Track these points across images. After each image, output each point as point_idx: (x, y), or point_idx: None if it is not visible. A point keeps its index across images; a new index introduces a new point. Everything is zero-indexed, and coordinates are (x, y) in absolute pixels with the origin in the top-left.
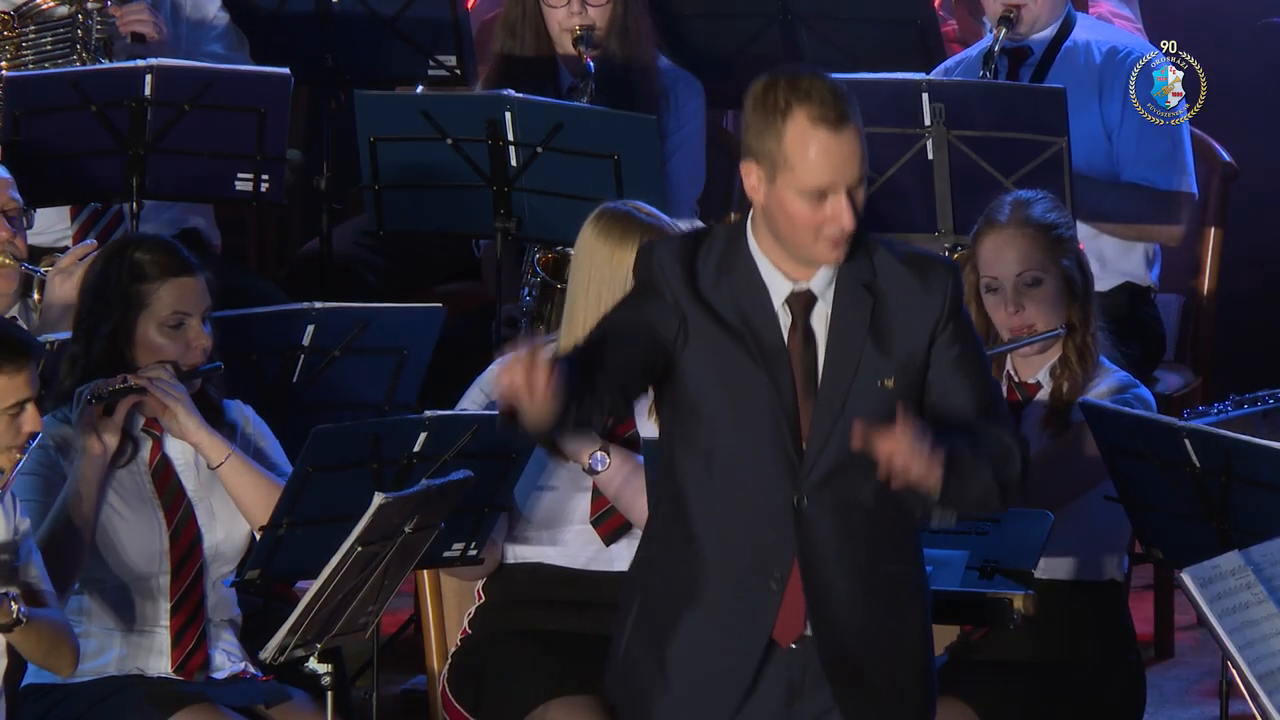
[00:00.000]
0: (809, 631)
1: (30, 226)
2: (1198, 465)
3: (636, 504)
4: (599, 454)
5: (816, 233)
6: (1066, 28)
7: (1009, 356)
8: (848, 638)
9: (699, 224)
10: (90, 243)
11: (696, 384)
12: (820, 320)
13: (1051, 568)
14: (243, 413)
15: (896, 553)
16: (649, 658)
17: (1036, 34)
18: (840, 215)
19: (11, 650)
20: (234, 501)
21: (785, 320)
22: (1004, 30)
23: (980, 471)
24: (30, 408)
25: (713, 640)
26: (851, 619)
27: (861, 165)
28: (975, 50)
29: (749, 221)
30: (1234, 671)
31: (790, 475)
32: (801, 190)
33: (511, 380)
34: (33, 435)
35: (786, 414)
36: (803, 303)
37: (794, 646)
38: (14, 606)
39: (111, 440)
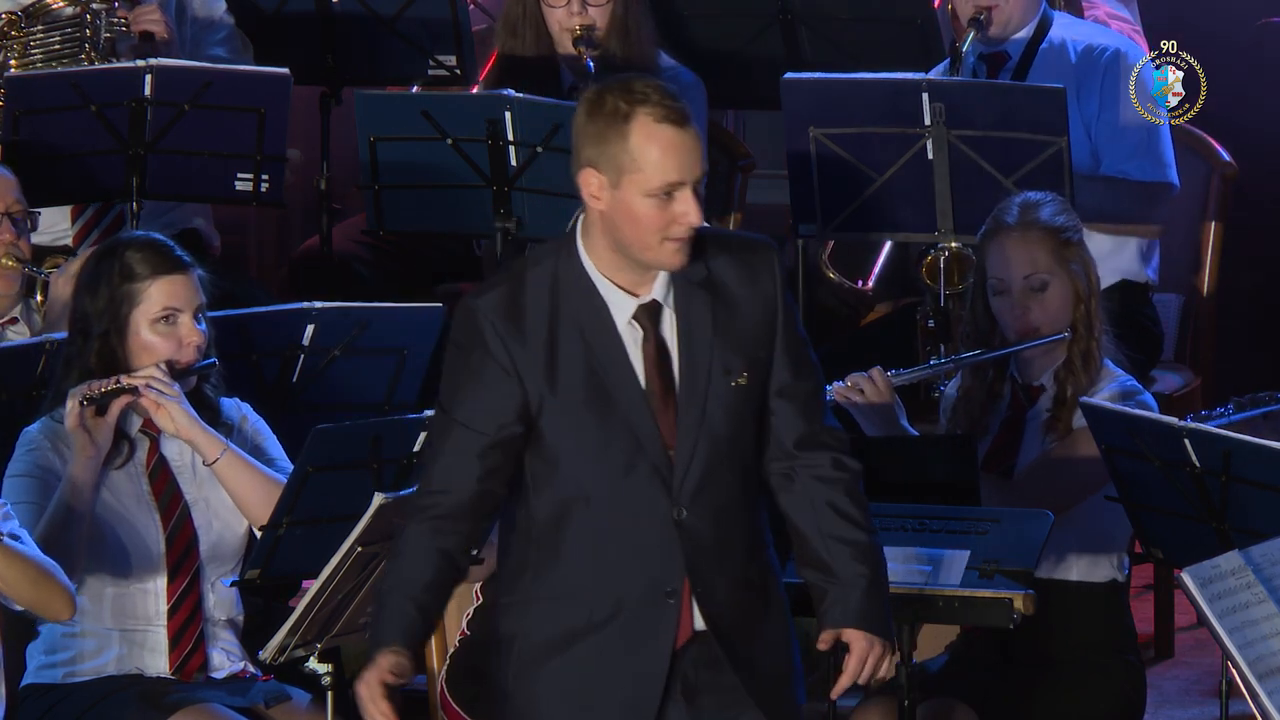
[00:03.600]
0: (700, 627)
1: (35, 229)
2: (1198, 465)
3: None
4: None
5: (663, 234)
6: (1043, 28)
7: (1013, 359)
8: (735, 630)
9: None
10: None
11: (555, 436)
12: (669, 329)
13: (1051, 568)
14: (240, 410)
15: (760, 542)
16: (545, 695)
17: (1013, 35)
18: (688, 212)
19: (12, 645)
20: (232, 498)
21: (634, 336)
22: (974, 32)
23: (882, 572)
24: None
25: (616, 664)
26: (736, 613)
27: (704, 162)
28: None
29: (579, 240)
30: (1234, 671)
31: (665, 491)
32: (649, 191)
33: None
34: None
35: (650, 434)
36: (650, 314)
37: (681, 647)
38: None
39: (103, 439)
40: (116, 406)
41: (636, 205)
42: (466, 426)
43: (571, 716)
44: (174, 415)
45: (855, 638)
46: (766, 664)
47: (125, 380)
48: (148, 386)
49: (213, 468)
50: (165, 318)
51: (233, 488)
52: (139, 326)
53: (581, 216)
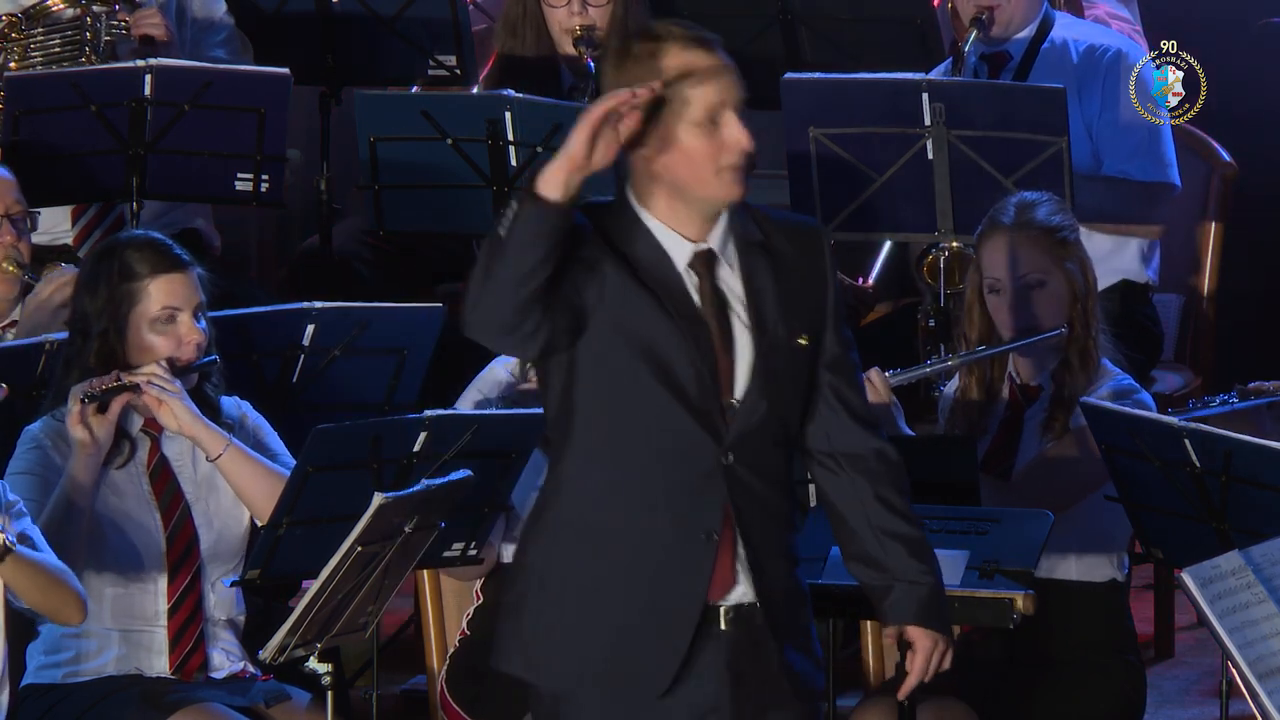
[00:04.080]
0: (742, 585)
1: (35, 229)
2: (1198, 465)
3: None
4: None
5: (717, 165)
6: (1045, 28)
7: (1011, 357)
8: (777, 595)
9: None
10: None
11: (614, 344)
12: (726, 279)
13: (1051, 568)
14: (240, 408)
15: (793, 519)
16: (569, 637)
17: (1014, 35)
18: (739, 135)
19: (12, 645)
20: (236, 492)
21: (692, 281)
22: (976, 32)
23: (937, 567)
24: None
25: (645, 607)
26: (778, 576)
27: (741, 85)
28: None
29: (630, 194)
30: (1234, 671)
31: (715, 435)
32: (695, 120)
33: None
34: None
35: (710, 373)
36: (705, 262)
37: (725, 627)
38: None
39: (104, 437)
40: (118, 404)
41: (686, 140)
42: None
43: (601, 651)
44: (176, 411)
45: (920, 636)
46: (804, 652)
47: (126, 378)
48: (149, 383)
49: (216, 463)
50: (165, 317)
51: (236, 482)
52: (139, 325)
53: (628, 185)
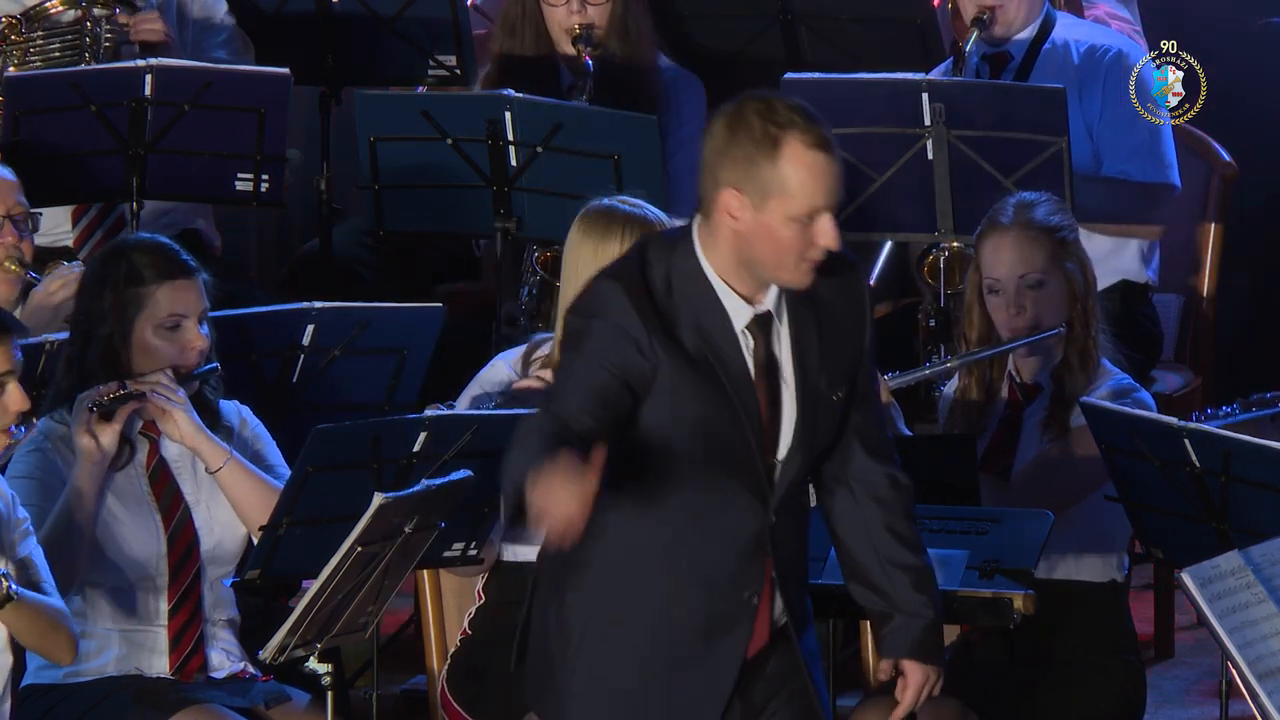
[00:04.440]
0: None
1: (36, 230)
2: (1198, 465)
3: None
4: None
5: (801, 256)
6: (1046, 29)
7: (1010, 357)
8: (798, 632)
9: None
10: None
11: (666, 418)
12: (779, 341)
13: (1051, 568)
14: (239, 414)
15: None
16: (606, 690)
17: (1016, 36)
18: (828, 236)
19: (16, 648)
20: (232, 505)
21: (747, 344)
22: (977, 32)
23: (939, 599)
24: (11, 385)
25: (687, 661)
26: (799, 616)
27: (841, 187)
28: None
29: (696, 242)
30: (1234, 671)
31: (762, 497)
32: (794, 215)
33: (561, 507)
34: (22, 415)
35: (757, 439)
36: (762, 326)
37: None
38: (3, 583)
39: (109, 443)
40: (123, 413)
41: (779, 229)
42: (606, 384)
43: (640, 706)
44: (180, 422)
45: (913, 670)
46: (815, 674)
47: (132, 386)
48: (154, 392)
49: (215, 476)
50: (170, 323)
51: (234, 496)
52: (143, 331)
53: (698, 221)
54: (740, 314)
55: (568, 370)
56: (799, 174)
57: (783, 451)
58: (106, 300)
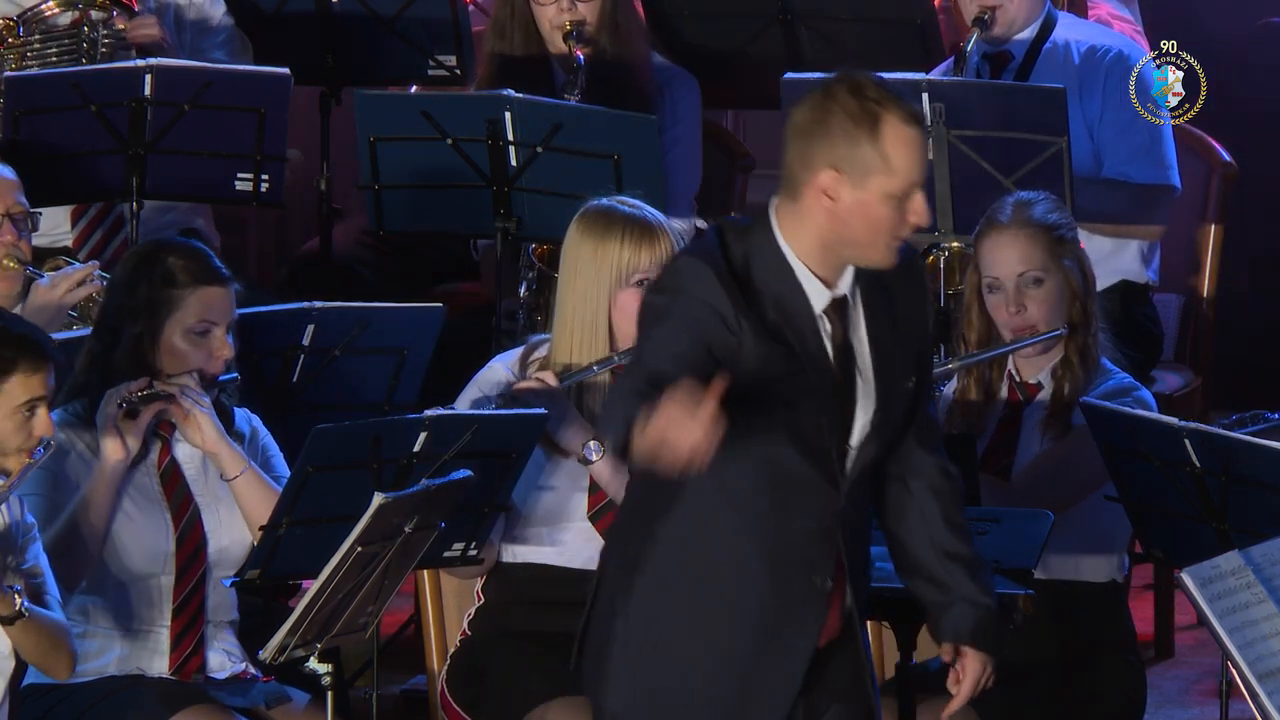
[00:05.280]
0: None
1: (36, 229)
2: (1198, 465)
3: None
4: (593, 443)
5: (894, 234)
6: (1047, 29)
7: (1011, 357)
8: (860, 627)
9: (698, 221)
10: (93, 264)
11: (745, 396)
12: (854, 325)
13: (1051, 568)
14: (250, 422)
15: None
16: (672, 678)
17: (1016, 36)
18: (920, 213)
19: (17, 653)
20: (243, 513)
21: (825, 328)
22: (978, 32)
23: (993, 587)
24: (42, 410)
25: (759, 649)
26: (860, 610)
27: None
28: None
29: (775, 224)
30: (1234, 671)
31: (833, 483)
32: (893, 192)
33: (687, 433)
34: (43, 439)
35: (834, 423)
36: (839, 310)
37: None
38: (16, 599)
39: (134, 444)
40: (149, 412)
41: (877, 207)
42: (695, 355)
43: (706, 702)
44: (203, 427)
45: (972, 657)
46: (874, 683)
47: (160, 386)
48: (183, 394)
49: (231, 483)
50: (200, 328)
51: (246, 504)
52: (173, 333)
53: (776, 204)
54: (819, 297)
55: (654, 340)
56: (900, 150)
57: (856, 438)
58: (140, 299)
